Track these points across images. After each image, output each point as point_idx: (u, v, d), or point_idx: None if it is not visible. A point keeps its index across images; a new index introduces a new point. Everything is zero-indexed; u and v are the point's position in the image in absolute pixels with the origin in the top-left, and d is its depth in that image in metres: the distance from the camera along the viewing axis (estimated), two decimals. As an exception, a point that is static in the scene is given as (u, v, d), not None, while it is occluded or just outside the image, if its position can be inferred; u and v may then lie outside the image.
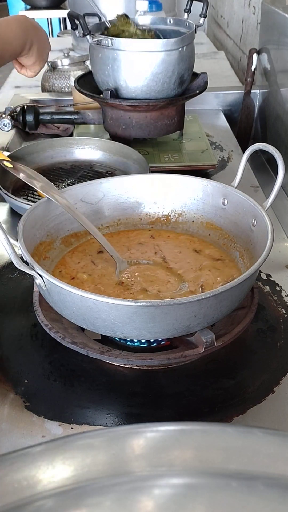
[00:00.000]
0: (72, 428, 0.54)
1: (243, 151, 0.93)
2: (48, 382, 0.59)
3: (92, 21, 1.07)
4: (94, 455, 0.24)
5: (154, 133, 1.06)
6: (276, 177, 0.64)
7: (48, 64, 1.44)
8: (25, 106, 1.17)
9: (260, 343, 0.64)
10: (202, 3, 1.05)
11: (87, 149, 1.07)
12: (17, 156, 1.01)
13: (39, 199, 0.75)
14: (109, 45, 0.97)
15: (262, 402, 0.57)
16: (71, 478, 0.24)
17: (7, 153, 1.00)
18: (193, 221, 0.74)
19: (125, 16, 1.08)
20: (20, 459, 0.24)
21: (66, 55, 1.44)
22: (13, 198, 0.87)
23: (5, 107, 1.18)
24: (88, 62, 1.27)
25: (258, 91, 1.36)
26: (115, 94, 1.01)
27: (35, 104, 1.22)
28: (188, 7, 1.10)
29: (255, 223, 0.65)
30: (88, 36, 0.99)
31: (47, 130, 1.24)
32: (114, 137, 1.08)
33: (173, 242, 0.73)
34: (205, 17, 1.07)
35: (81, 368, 0.60)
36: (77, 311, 0.54)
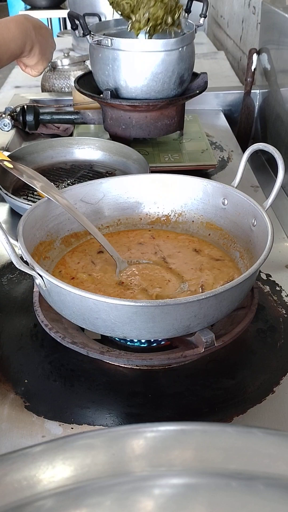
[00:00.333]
0: (72, 428, 0.54)
1: (243, 151, 0.93)
2: (48, 382, 0.59)
3: (92, 21, 1.07)
4: (94, 455, 0.24)
5: (154, 133, 1.06)
6: (276, 177, 0.64)
7: (48, 64, 1.44)
8: (25, 106, 1.17)
9: (260, 343, 0.64)
10: (202, 3, 1.05)
11: (87, 149, 1.07)
12: (17, 156, 1.01)
13: (39, 199, 0.75)
14: (109, 45, 0.97)
15: (262, 402, 0.57)
16: (71, 478, 0.24)
17: (7, 153, 1.00)
18: (193, 221, 0.74)
19: None
20: (20, 459, 0.24)
21: (66, 55, 1.44)
22: (13, 198, 0.87)
23: (5, 107, 1.18)
24: (88, 62, 1.27)
25: (258, 91, 1.36)
26: (115, 94, 1.01)
27: (35, 104, 1.22)
28: (188, 7, 1.10)
29: (255, 223, 0.65)
30: (88, 36, 0.99)
31: (47, 130, 1.24)
32: (114, 137, 1.08)
33: (173, 242, 0.73)
34: (205, 17, 1.07)
35: (81, 368, 0.60)
36: (77, 311, 0.54)
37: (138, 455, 0.25)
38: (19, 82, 1.65)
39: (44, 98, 1.40)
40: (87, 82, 1.10)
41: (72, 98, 1.28)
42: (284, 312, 0.69)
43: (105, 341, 0.62)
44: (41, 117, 1.18)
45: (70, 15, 1.03)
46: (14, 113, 1.16)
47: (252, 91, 1.35)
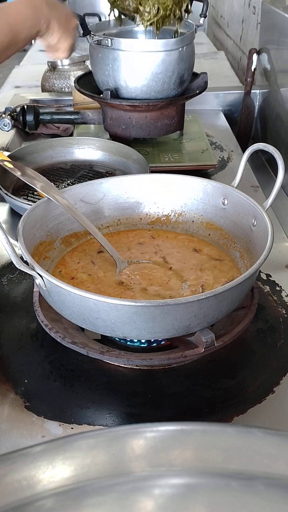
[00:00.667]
0: (72, 428, 0.54)
1: (243, 151, 0.93)
2: (48, 382, 0.59)
3: (92, 21, 1.07)
4: (94, 455, 0.24)
5: (154, 133, 1.06)
6: (276, 177, 0.64)
7: (48, 64, 1.44)
8: (25, 106, 1.17)
9: (260, 343, 0.64)
10: (202, 3, 1.05)
11: (87, 149, 1.07)
12: (17, 156, 1.01)
13: (39, 199, 0.75)
14: (109, 45, 0.97)
15: (262, 402, 0.57)
16: (71, 478, 0.24)
17: (7, 153, 1.00)
18: (193, 221, 0.74)
19: None
20: (20, 459, 0.24)
21: (66, 55, 1.44)
22: (13, 198, 0.87)
23: (5, 107, 1.18)
24: (88, 62, 1.27)
25: (258, 91, 1.36)
26: (115, 94, 1.01)
27: (35, 104, 1.22)
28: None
29: (255, 223, 0.65)
30: (88, 36, 0.99)
31: (47, 130, 1.24)
32: (114, 137, 1.08)
33: (173, 242, 0.73)
34: (205, 17, 1.07)
35: (81, 368, 0.60)
36: (77, 311, 0.54)
37: (138, 455, 0.25)
38: (19, 82, 1.65)
39: (44, 98, 1.40)
40: (87, 82, 1.10)
41: (72, 98, 1.28)
42: (284, 312, 0.69)
43: (105, 341, 0.62)
44: (41, 117, 1.18)
45: (70, 15, 1.03)
46: (14, 113, 1.16)
47: (252, 91, 1.35)
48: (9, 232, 0.55)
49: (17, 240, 0.58)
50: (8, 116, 1.14)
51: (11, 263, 0.77)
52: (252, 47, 1.37)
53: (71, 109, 1.23)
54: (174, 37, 1.01)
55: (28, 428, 0.54)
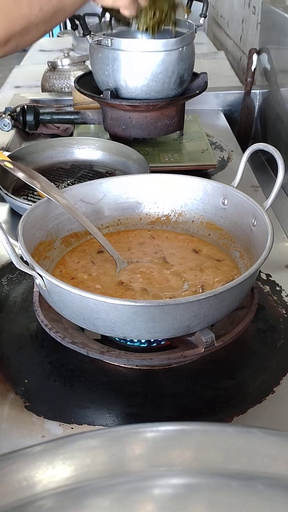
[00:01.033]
0: (72, 428, 0.54)
1: (243, 151, 0.93)
2: (48, 382, 0.59)
3: (92, 21, 1.07)
4: (94, 455, 0.24)
5: (154, 133, 1.06)
6: (276, 177, 0.64)
7: (48, 64, 1.44)
8: (25, 106, 1.17)
9: (260, 343, 0.64)
10: (202, 3, 1.05)
11: (87, 149, 1.07)
12: (17, 156, 1.01)
13: (39, 199, 0.75)
14: (109, 45, 0.97)
15: (262, 402, 0.57)
16: (71, 478, 0.24)
17: (7, 153, 1.00)
18: (193, 221, 0.74)
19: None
20: (20, 459, 0.24)
21: (66, 55, 1.44)
22: (13, 198, 0.87)
23: (5, 107, 1.18)
24: (88, 62, 1.27)
25: (258, 91, 1.36)
26: (115, 94, 1.01)
27: (35, 104, 1.22)
28: (188, 7, 1.10)
29: (255, 223, 0.65)
30: (88, 36, 0.99)
31: (47, 130, 1.24)
32: (114, 137, 1.08)
33: (173, 242, 0.73)
34: (205, 17, 1.07)
35: (81, 368, 0.60)
36: (77, 311, 0.54)
37: (138, 455, 0.25)
38: (19, 82, 1.65)
39: (44, 98, 1.40)
40: (87, 82, 1.10)
41: (72, 98, 1.28)
42: (284, 312, 0.69)
43: (105, 341, 0.62)
44: (41, 117, 1.18)
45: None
46: (14, 113, 1.16)
47: (252, 91, 1.35)
48: (9, 232, 0.55)
49: (17, 240, 0.58)
50: (8, 116, 1.14)
51: (11, 263, 0.76)
52: (252, 47, 1.37)
53: (71, 109, 1.23)
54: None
55: (28, 428, 0.54)
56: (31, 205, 0.71)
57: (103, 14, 1.03)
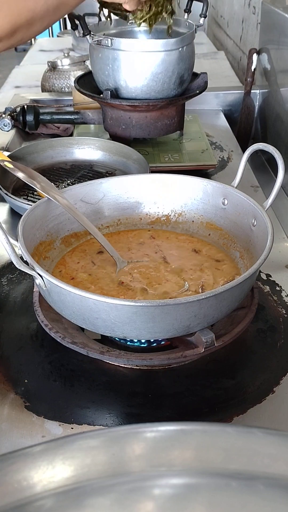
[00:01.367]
0: (72, 428, 0.54)
1: (243, 151, 0.93)
2: (48, 382, 0.59)
3: (92, 21, 1.07)
4: (94, 455, 0.24)
5: (154, 133, 1.06)
6: (276, 177, 0.64)
7: (48, 64, 1.44)
8: (25, 106, 1.17)
9: (260, 343, 0.64)
10: (202, 3, 1.05)
11: (87, 149, 1.07)
12: (17, 156, 1.01)
13: (39, 199, 0.75)
14: (109, 45, 0.97)
15: (262, 402, 0.57)
16: (71, 478, 0.23)
17: (7, 153, 1.00)
18: (193, 221, 0.74)
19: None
20: (20, 459, 0.24)
21: (66, 55, 1.44)
22: (13, 198, 0.87)
23: (5, 107, 1.18)
24: (88, 62, 1.27)
25: (258, 91, 1.36)
26: (115, 94, 1.01)
27: (35, 104, 1.22)
28: (188, 7, 1.10)
29: (255, 223, 0.65)
30: (88, 36, 0.99)
31: (47, 130, 1.24)
32: (114, 137, 1.08)
33: (173, 242, 0.73)
34: (205, 17, 1.07)
35: (81, 368, 0.60)
36: (77, 311, 0.54)
37: (138, 455, 0.24)
38: (19, 82, 1.65)
39: (44, 98, 1.40)
40: (87, 82, 1.10)
41: (72, 98, 1.28)
42: (284, 312, 0.69)
43: (105, 341, 0.62)
44: (41, 117, 1.18)
45: (70, 15, 1.03)
46: (14, 113, 1.16)
47: (252, 91, 1.35)
48: (9, 232, 0.55)
49: (17, 240, 0.58)
50: (8, 116, 1.14)
51: (11, 263, 0.76)
52: (252, 47, 1.37)
53: (71, 109, 1.23)
54: (168, 33, 1.01)
55: (28, 428, 0.54)
56: (31, 205, 0.71)
57: (100, 9, 1.02)
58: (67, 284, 0.53)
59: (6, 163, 0.73)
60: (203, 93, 1.07)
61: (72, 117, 1.18)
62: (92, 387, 0.58)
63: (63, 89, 1.43)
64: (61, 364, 0.61)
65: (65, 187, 0.96)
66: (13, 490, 0.23)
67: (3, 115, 1.14)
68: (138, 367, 0.60)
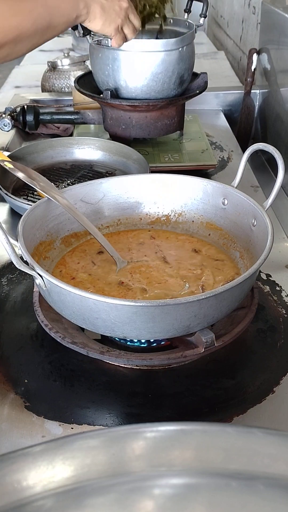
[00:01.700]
0: (72, 428, 0.54)
1: (243, 151, 0.93)
2: (48, 382, 0.59)
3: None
4: (94, 455, 0.24)
5: (154, 133, 1.06)
6: (276, 177, 0.64)
7: (48, 64, 1.44)
8: (25, 106, 1.17)
9: (260, 343, 0.64)
10: (202, 3, 1.05)
11: (87, 149, 1.07)
12: (17, 156, 1.01)
13: (39, 199, 0.75)
14: (109, 45, 0.97)
15: (262, 402, 0.57)
16: (71, 478, 0.23)
17: (7, 153, 1.00)
18: (193, 221, 0.74)
19: None
20: (20, 459, 0.24)
21: (66, 55, 1.44)
22: (13, 198, 0.87)
23: (5, 107, 1.18)
24: (88, 62, 1.27)
25: (258, 91, 1.36)
26: (115, 94, 1.01)
27: (35, 104, 1.22)
28: (188, 7, 1.10)
29: (255, 223, 0.65)
30: (88, 36, 0.99)
31: (47, 130, 1.24)
32: (114, 137, 1.08)
33: (173, 242, 0.73)
34: (205, 17, 1.07)
35: (81, 368, 0.60)
36: (77, 311, 0.54)
37: (138, 455, 0.24)
38: (19, 82, 1.65)
39: (44, 98, 1.40)
40: (87, 82, 1.10)
41: (72, 98, 1.28)
42: (284, 312, 0.69)
43: (105, 341, 0.62)
44: (41, 117, 1.18)
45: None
46: (14, 113, 1.16)
47: (252, 91, 1.35)
48: (9, 232, 0.55)
49: (17, 240, 0.58)
50: (8, 116, 1.14)
51: (11, 263, 0.76)
52: (252, 47, 1.37)
53: (71, 109, 1.23)
54: (157, 35, 1.01)
55: (28, 428, 0.54)
56: (31, 205, 0.71)
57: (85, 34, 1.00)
58: (67, 284, 0.53)
59: (6, 163, 0.73)
60: (203, 93, 1.07)
61: (72, 117, 1.18)
62: (92, 387, 0.58)
63: (63, 89, 1.43)
64: (61, 364, 0.61)
65: (65, 187, 0.96)
66: (13, 490, 0.23)
67: (3, 115, 1.14)
68: (138, 367, 0.60)
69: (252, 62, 1.33)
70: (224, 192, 0.70)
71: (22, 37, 0.78)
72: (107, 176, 1.00)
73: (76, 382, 0.59)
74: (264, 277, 0.75)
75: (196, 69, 1.08)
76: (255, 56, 1.33)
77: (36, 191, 0.85)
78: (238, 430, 0.26)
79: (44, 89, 1.46)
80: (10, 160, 0.85)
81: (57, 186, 0.95)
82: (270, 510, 0.21)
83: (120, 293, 0.62)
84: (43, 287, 0.56)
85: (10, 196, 0.87)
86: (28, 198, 0.93)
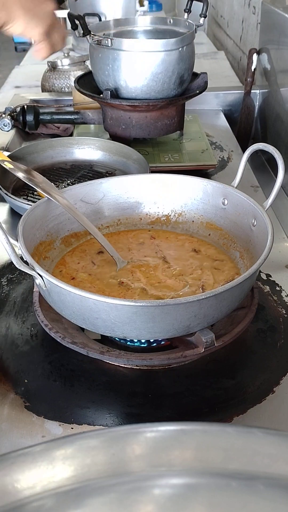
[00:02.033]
0: (72, 428, 0.54)
1: (243, 151, 0.93)
2: (48, 382, 0.59)
3: (92, 21, 1.07)
4: (94, 455, 0.24)
5: (154, 133, 1.06)
6: (276, 177, 0.64)
7: (48, 64, 1.44)
8: (25, 106, 1.17)
9: (260, 343, 0.64)
10: (202, 3, 1.05)
11: (87, 149, 1.07)
12: (17, 156, 1.01)
13: (39, 199, 0.75)
14: (109, 45, 0.97)
15: (262, 402, 0.57)
16: (71, 478, 0.24)
17: (7, 153, 1.00)
18: (193, 221, 0.74)
19: None
20: (20, 459, 0.24)
21: (66, 55, 1.44)
22: (13, 198, 0.87)
23: (5, 107, 1.18)
24: (88, 62, 1.27)
25: (258, 91, 1.36)
26: (115, 94, 1.01)
27: (35, 104, 1.22)
28: (188, 7, 1.10)
29: (255, 223, 0.65)
30: (88, 36, 0.99)
31: (47, 130, 1.24)
32: (114, 137, 1.08)
33: (173, 242, 0.73)
34: (205, 17, 1.07)
35: (81, 368, 0.60)
36: (77, 311, 0.54)
37: (138, 455, 0.25)
38: (19, 82, 1.65)
39: (44, 98, 1.40)
40: (87, 82, 1.10)
41: (72, 98, 1.28)
42: (284, 312, 0.69)
43: (105, 341, 0.62)
44: (41, 117, 1.18)
45: (70, 15, 1.03)
46: (14, 113, 1.16)
47: (252, 91, 1.35)
48: (9, 232, 0.55)
49: (17, 240, 0.58)
50: (8, 116, 1.14)
51: (11, 263, 0.77)
52: (252, 47, 1.37)
53: (71, 109, 1.23)
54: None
55: (28, 428, 0.54)
56: (31, 205, 0.71)
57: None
58: (67, 284, 0.53)
59: (6, 163, 0.73)
60: (203, 93, 1.07)
61: (72, 117, 1.18)
62: (92, 387, 0.58)
63: (63, 89, 1.43)
64: (61, 364, 0.61)
65: (65, 187, 0.96)
66: (13, 490, 0.23)
67: (3, 115, 1.14)
68: (138, 367, 0.60)
69: (252, 62, 1.33)
70: (224, 192, 0.70)
71: None
72: (107, 176, 1.00)
73: (76, 382, 0.59)
74: (264, 277, 0.75)
75: (196, 69, 1.08)
76: (255, 56, 1.33)
77: (36, 191, 0.85)
78: (238, 430, 0.26)
79: (44, 89, 1.46)
80: (10, 160, 0.85)
81: (57, 186, 0.95)
82: (270, 510, 0.21)
83: (120, 293, 0.62)
84: (43, 287, 0.56)
85: (10, 196, 0.87)
86: (28, 198, 0.93)
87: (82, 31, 0.99)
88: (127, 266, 0.67)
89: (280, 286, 0.74)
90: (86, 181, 0.77)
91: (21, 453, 0.25)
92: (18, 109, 1.17)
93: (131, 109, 1.02)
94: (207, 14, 1.08)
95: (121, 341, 0.62)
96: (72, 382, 0.59)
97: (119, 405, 0.57)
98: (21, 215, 0.63)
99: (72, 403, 0.57)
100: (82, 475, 0.24)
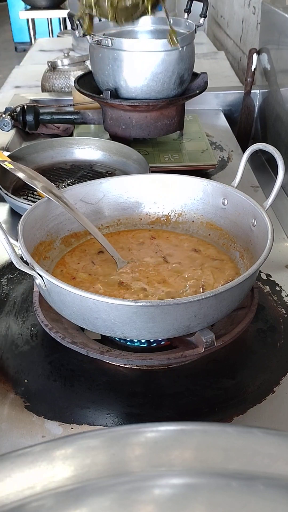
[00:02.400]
0: (72, 428, 0.54)
1: (243, 151, 0.93)
2: (48, 382, 0.59)
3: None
4: (94, 455, 0.24)
5: (154, 133, 1.06)
6: (276, 177, 0.64)
7: (48, 64, 1.44)
8: (25, 106, 1.17)
9: (260, 343, 0.64)
10: (202, 3, 1.05)
11: (87, 149, 1.07)
12: (17, 156, 1.01)
13: (39, 199, 0.75)
14: (109, 45, 0.97)
15: (262, 402, 0.57)
16: (71, 478, 0.24)
17: (7, 153, 1.00)
18: (193, 221, 0.75)
19: None
20: (20, 459, 0.24)
21: (66, 55, 1.44)
22: (13, 198, 0.87)
23: (5, 107, 1.18)
24: (88, 62, 1.27)
25: (258, 91, 1.36)
26: (115, 94, 1.01)
27: (35, 104, 1.22)
28: (188, 7, 1.10)
29: (255, 223, 0.65)
30: (88, 36, 0.99)
31: (47, 130, 1.24)
32: (114, 137, 1.08)
33: (173, 242, 0.73)
34: (205, 17, 1.07)
35: (81, 368, 0.60)
36: (77, 311, 0.54)
37: (138, 455, 0.25)
38: (19, 82, 1.65)
39: (44, 98, 1.40)
40: (87, 82, 1.10)
41: (72, 98, 1.28)
42: (284, 312, 0.69)
43: (105, 341, 0.62)
44: (41, 117, 1.18)
45: (70, 15, 1.03)
46: (14, 113, 1.16)
47: (252, 91, 1.35)
48: (9, 232, 0.55)
49: (17, 240, 0.58)
50: (8, 116, 1.14)
51: (11, 263, 0.77)
52: (252, 47, 1.37)
53: (71, 109, 1.23)
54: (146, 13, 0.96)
55: (28, 428, 0.54)
56: (31, 205, 0.71)
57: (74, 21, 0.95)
58: (67, 284, 0.53)
59: (6, 163, 0.73)
60: (203, 93, 1.07)
61: (72, 117, 1.18)
62: (92, 387, 0.58)
63: (63, 89, 1.43)
64: (61, 364, 0.61)
65: (65, 187, 0.96)
66: (13, 490, 0.23)
67: (3, 115, 1.14)
68: (138, 367, 0.60)
69: (252, 62, 1.33)
70: (224, 192, 0.70)
71: None
72: (107, 176, 1.00)
73: (76, 382, 0.59)
74: (264, 277, 0.75)
75: (196, 69, 1.08)
76: (255, 56, 1.33)
77: (36, 191, 0.85)
78: (238, 430, 0.26)
79: (44, 89, 1.46)
80: (10, 160, 0.85)
81: (57, 186, 0.95)
82: (270, 510, 0.21)
83: (120, 293, 0.62)
84: (43, 287, 0.56)
85: (10, 196, 0.87)
86: (28, 198, 0.93)
87: (82, 31, 0.99)
88: (127, 266, 0.67)
89: (280, 286, 0.74)
90: (86, 181, 0.77)
91: (21, 453, 0.25)
92: (18, 109, 1.17)
93: (131, 109, 1.02)
94: (207, 14, 1.08)
95: (121, 341, 0.62)
96: (72, 382, 0.59)
97: (119, 405, 0.57)
98: (21, 215, 0.63)
99: (72, 403, 0.57)
100: (82, 475, 0.24)
